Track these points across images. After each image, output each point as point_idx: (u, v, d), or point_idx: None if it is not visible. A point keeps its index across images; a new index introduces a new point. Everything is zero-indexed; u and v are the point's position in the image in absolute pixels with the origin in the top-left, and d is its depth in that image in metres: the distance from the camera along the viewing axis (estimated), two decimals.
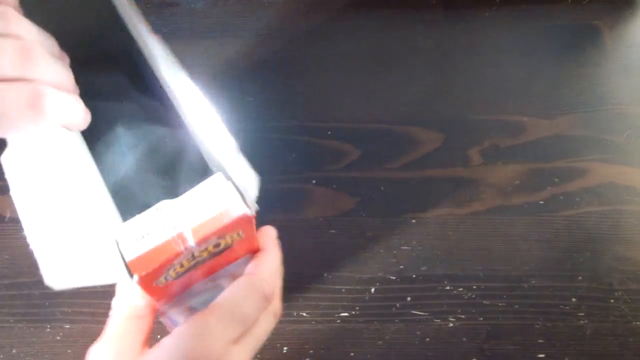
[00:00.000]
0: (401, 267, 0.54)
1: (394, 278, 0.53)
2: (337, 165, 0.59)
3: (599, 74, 0.64)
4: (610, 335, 0.50)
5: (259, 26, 0.69)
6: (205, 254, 0.27)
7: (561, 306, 0.51)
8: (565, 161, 0.59)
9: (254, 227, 0.29)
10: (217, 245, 0.27)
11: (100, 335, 0.30)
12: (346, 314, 0.52)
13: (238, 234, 0.27)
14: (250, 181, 0.27)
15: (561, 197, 0.57)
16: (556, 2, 0.69)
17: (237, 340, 0.29)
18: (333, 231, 0.56)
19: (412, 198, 0.57)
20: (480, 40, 0.67)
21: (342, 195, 0.58)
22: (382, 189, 0.58)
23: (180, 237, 0.25)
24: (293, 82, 0.65)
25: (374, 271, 0.54)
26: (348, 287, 0.53)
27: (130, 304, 0.31)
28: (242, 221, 0.26)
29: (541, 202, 0.56)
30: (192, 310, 0.33)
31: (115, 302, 0.31)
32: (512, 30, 0.67)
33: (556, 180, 0.57)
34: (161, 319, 0.33)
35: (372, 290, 0.53)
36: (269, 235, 0.35)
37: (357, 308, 0.52)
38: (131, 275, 0.25)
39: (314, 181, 0.58)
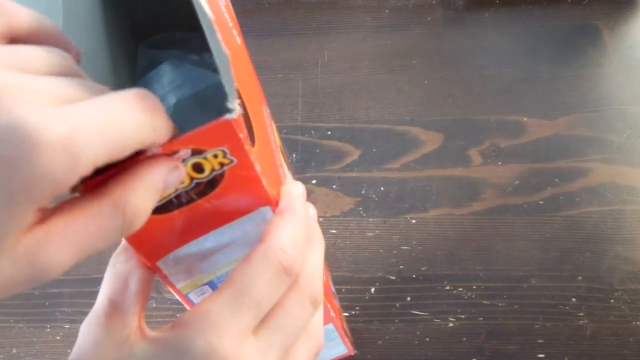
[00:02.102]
0: (401, 267, 0.54)
1: (394, 278, 0.53)
2: (337, 165, 0.59)
3: (599, 74, 0.64)
4: (610, 335, 0.50)
5: (258, 27, 0.69)
6: (187, 181, 0.21)
7: (561, 306, 0.51)
8: (566, 161, 0.59)
9: (245, 147, 0.21)
10: (199, 168, 0.20)
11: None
12: (346, 314, 0.52)
13: (225, 155, 0.20)
14: (225, 66, 0.19)
15: (561, 197, 0.56)
16: (556, 2, 0.69)
17: (255, 331, 0.23)
18: (333, 231, 0.56)
19: (412, 198, 0.57)
20: (480, 41, 0.67)
21: (342, 195, 0.58)
22: (382, 189, 0.58)
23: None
24: (293, 82, 0.65)
25: (374, 271, 0.54)
26: (348, 287, 0.53)
27: (119, 264, 0.25)
28: (219, 127, 0.19)
29: (541, 202, 0.56)
30: (208, 280, 0.27)
31: (109, 263, 0.26)
32: (512, 31, 0.68)
33: (556, 180, 0.57)
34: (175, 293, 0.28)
35: (372, 290, 0.53)
36: (290, 193, 0.26)
37: (357, 308, 0.52)
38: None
39: (314, 181, 0.58)
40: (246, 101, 0.24)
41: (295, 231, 0.24)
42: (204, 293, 0.28)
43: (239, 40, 0.27)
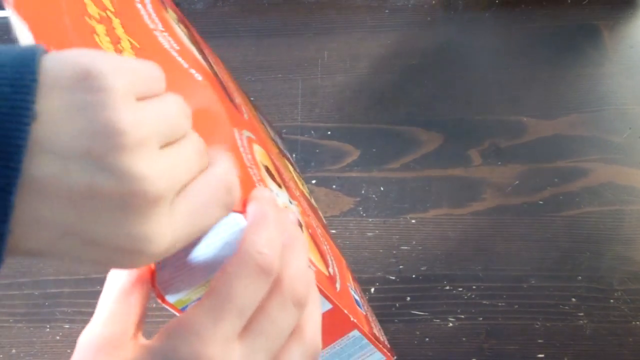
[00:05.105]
0: (401, 267, 0.54)
1: (394, 278, 0.53)
2: (338, 166, 0.59)
3: (599, 74, 0.64)
4: (609, 335, 0.50)
5: (258, 27, 0.69)
6: None
7: (561, 306, 0.51)
8: (565, 161, 0.58)
9: None
10: None
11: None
12: None
13: None
14: None
15: (561, 197, 0.56)
16: (556, 3, 0.69)
17: (240, 336, 0.23)
18: (333, 231, 0.56)
19: (412, 198, 0.57)
20: (480, 41, 0.67)
21: (342, 195, 0.58)
22: (382, 189, 0.58)
23: None
24: (293, 82, 0.65)
25: (374, 271, 0.54)
26: None
27: (119, 277, 0.26)
28: None
29: (541, 202, 0.56)
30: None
31: (108, 277, 0.27)
32: (512, 31, 0.67)
33: (556, 180, 0.57)
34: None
35: (372, 290, 0.53)
36: (258, 198, 0.26)
37: None
38: None
39: (314, 181, 0.58)
40: (205, 132, 0.25)
41: (269, 233, 0.24)
42: None
43: (199, 77, 0.29)
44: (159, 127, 0.21)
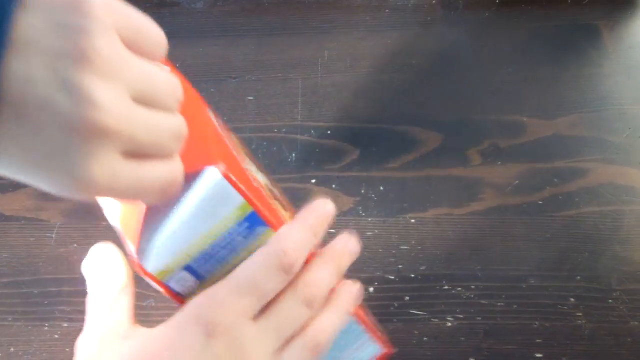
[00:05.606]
0: (400, 267, 0.54)
1: (393, 278, 0.53)
2: (337, 165, 0.59)
3: (599, 75, 0.64)
4: (608, 336, 0.50)
5: (258, 26, 0.69)
6: None
7: (559, 306, 0.51)
8: (565, 161, 0.58)
9: None
10: None
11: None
12: None
13: None
14: None
15: (561, 198, 0.56)
16: (556, 2, 0.69)
17: (255, 318, 0.26)
18: (333, 231, 0.56)
19: (412, 198, 0.57)
20: (480, 41, 0.67)
21: (342, 195, 0.58)
22: (382, 189, 0.58)
23: None
24: (293, 82, 0.65)
25: (373, 271, 0.54)
26: None
27: (108, 280, 0.29)
28: None
29: (540, 203, 0.56)
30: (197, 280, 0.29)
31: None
32: (512, 31, 0.67)
33: (556, 180, 0.57)
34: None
35: (371, 290, 0.53)
36: (313, 207, 0.31)
37: None
38: None
39: (314, 181, 0.59)
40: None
41: (300, 236, 0.28)
42: (186, 281, 0.28)
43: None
44: (137, 78, 0.20)
